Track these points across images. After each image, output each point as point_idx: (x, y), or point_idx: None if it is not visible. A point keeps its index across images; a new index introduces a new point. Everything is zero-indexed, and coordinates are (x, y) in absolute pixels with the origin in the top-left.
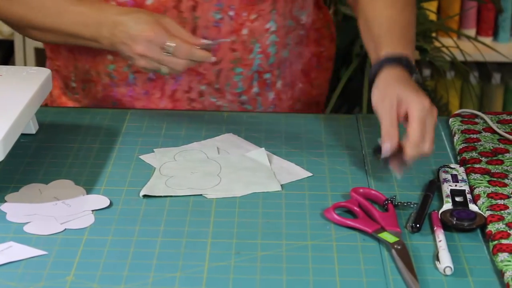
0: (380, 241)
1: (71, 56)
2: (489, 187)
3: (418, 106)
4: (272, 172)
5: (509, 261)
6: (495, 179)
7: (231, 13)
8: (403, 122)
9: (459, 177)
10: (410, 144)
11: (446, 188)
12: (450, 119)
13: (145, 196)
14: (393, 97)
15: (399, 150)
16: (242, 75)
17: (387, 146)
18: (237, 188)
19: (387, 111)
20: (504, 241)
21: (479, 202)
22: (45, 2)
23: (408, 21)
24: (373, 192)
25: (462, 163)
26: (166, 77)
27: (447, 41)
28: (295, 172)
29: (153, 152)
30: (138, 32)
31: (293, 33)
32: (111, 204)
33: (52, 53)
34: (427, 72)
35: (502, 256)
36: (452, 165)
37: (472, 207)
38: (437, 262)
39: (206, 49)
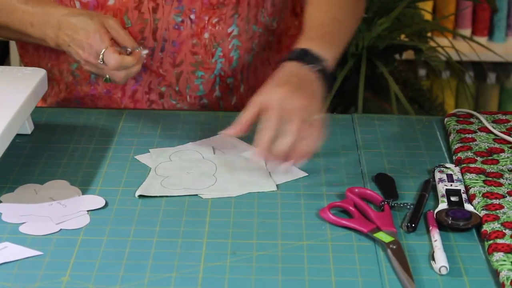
0: (375, 241)
1: (35, 54)
2: (484, 187)
3: (270, 99)
4: (267, 172)
5: (504, 260)
6: (490, 178)
7: (192, 16)
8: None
9: (455, 177)
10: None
11: (442, 187)
12: (446, 119)
13: (140, 196)
14: (259, 93)
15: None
16: (203, 78)
17: (233, 128)
18: (233, 188)
19: (251, 103)
20: (499, 241)
21: (475, 201)
22: None
23: (331, 18)
24: (368, 192)
25: (458, 162)
26: None
27: (443, 41)
28: (290, 172)
29: (149, 152)
30: (82, 36)
31: (260, 38)
32: (106, 205)
33: (21, 50)
34: (422, 72)
35: (498, 255)
36: (448, 165)
37: (468, 206)
38: (432, 262)
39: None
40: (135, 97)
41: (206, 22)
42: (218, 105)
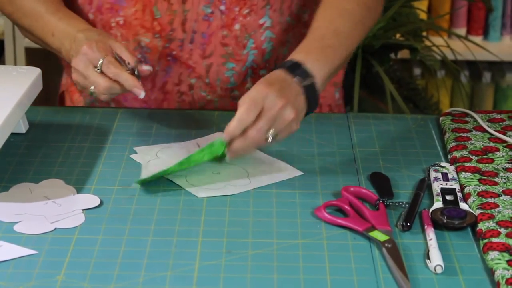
0: (370, 239)
1: None
2: (479, 186)
3: (254, 91)
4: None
5: (500, 259)
6: (485, 177)
7: (222, 7)
8: None
9: (450, 176)
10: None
11: (437, 186)
12: (441, 118)
13: (142, 184)
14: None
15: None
16: (234, 70)
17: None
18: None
19: (240, 104)
20: (494, 240)
21: (470, 200)
22: (25, 4)
23: (333, 30)
24: (363, 190)
25: (453, 161)
26: (157, 68)
27: (438, 40)
28: (285, 170)
29: (143, 148)
30: (81, 47)
31: (294, 30)
32: (101, 203)
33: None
34: (417, 71)
35: (493, 254)
36: (443, 164)
37: (463, 205)
38: (427, 261)
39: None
40: (165, 88)
41: (237, 13)
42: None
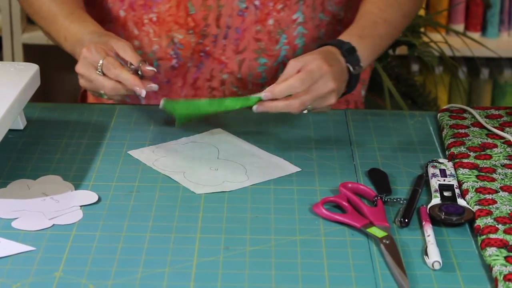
0: (368, 236)
1: None
2: (477, 182)
3: (315, 64)
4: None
5: (497, 255)
6: (483, 173)
7: (257, 2)
8: None
9: (448, 172)
10: (282, 82)
11: (435, 183)
12: (439, 114)
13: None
14: (302, 60)
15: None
16: (266, 66)
17: (270, 89)
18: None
19: (291, 67)
20: (492, 236)
21: (468, 196)
22: (43, 7)
23: (384, 19)
24: (361, 187)
25: (451, 158)
26: (189, 65)
27: (436, 36)
28: (283, 167)
29: (141, 148)
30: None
31: (327, 27)
32: (99, 200)
33: None
34: (415, 67)
35: (491, 250)
36: (441, 160)
37: (461, 201)
38: (425, 257)
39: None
40: (196, 84)
41: (271, 8)
42: None
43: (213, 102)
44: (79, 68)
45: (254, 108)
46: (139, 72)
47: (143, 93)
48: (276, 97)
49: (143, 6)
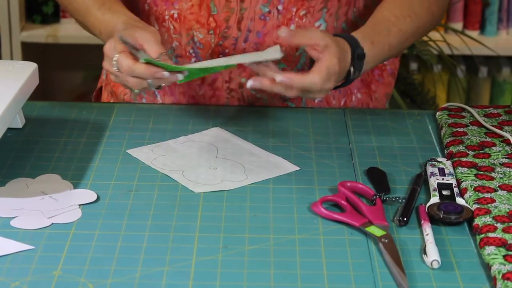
0: (367, 234)
1: None
2: (476, 181)
3: (330, 61)
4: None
5: (496, 254)
6: (482, 172)
7: (280, 7)
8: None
9: (446, 171)
10: (306, 75)
11: (433, 181)
12: (437, 113)
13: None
14: (326, 39)
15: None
16: (285, 71)
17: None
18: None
19: (314, 35)
20: (491, 235)
21: (466, 195)
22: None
23: (399, 28)
24: (360, 186)
25: (449, 156)
26: None
27: (434, 34)
28: (282, 166)
29: (140, 147)
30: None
31: None
32: (98, 199)
33: None
34: (414, 65)
35: (489, 249)
36: (439, 159)
37: (459, 200)
38: (424, 256)
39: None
40: (215, 85)
41: (294, 13)
42: (300, 100)
43: (221, 65)
44: (104, 63)
45: (249, 84)
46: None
47: (166, 74)
48: (289, 86)
49: (165, 2)
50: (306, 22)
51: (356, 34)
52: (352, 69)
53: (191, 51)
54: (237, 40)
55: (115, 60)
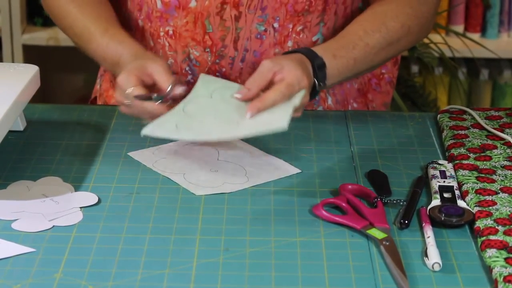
0: (368, 237)
1: None
2: (477, 183)
3: (295, 77)
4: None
5: (497, 257)
6: (483, 175)
7: (276, 24)
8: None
9: (447, 173)
10: (269, 92)
11: (435, 184)
12: (439, 115)
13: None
14: (279, 64)
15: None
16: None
17: (246, 90)
18: (242, 133)
19: (266, 68)
20: (492, 237)
21: (467, 198)
22: (77, 23)
23: (366, 43)
24: (361, 188)
25: (451, 159)
26: None
27: (435, 37)
28: (283, 168)
29: (141, 149)
30: (118, 79)
31: None
32: (99, 201)
33: None
34: (415, 68)
35: (490, 252)
36: (441, 161)
37: (460, 203)
38: (425, 258)
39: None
40: None
41: (290, 30)
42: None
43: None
44: (116, 95)
45: (248, 115)
46: (169, 96)
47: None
48: (255, 109)
49: (159, 18)
50: (303, 38)
51: (317, 48)
52: (316, 81)
53: (187, 68)
54: (234, 60)
55: (128, 93)
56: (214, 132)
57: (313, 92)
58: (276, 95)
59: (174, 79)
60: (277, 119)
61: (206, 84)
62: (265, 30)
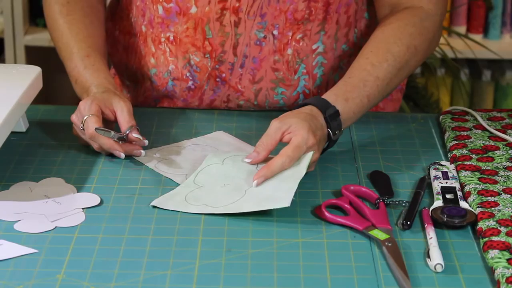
0: (371, 238)
1: (124, 55)
2: (479, 184)
3: (301, 137)
4: (294, 185)
5: (500, 258)
6: (485, 176)
7: (275, 32)
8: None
9: (450, 174)
10: (276, 157)
11: (437, 185)
12: (441, 116)
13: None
14: (287, 123)
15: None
16: (284, 95)
17: (255, 154)
18: (246, 206)
19: (274, 129)
20: (494, 238)
21: (470, 199)
22: (62, 38)
23: (376, 76)
24: (363, 189)
25: (453, 160)
26: (205, 88)
27: None
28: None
29: (143, 150)
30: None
31: (350, 58)
32: (101, 202)
33: (111, 49)
34: (417, 69)
35: (493, 253)
36: (443, 162)
37: (463, 204)
38: (428, 259)
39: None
40: (213, 105)
41: (290, 38)
42: None
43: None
44: (73, 116)
45: (254, 183)
46: (125, 137)
47: (122, 156)
48: (265, 175)
49: (161, 24)
50: (303, 45)
51: (328, 95)
52: (331, 131)
53: (187, 74)
54: (234, 66)
55: (84, 119)
56: (220, 204)
57: (330, 142)
58: (283, 160)
59: (134, 123)
60: (282, 196)
61: (218, 152)
62: (265, 37)
